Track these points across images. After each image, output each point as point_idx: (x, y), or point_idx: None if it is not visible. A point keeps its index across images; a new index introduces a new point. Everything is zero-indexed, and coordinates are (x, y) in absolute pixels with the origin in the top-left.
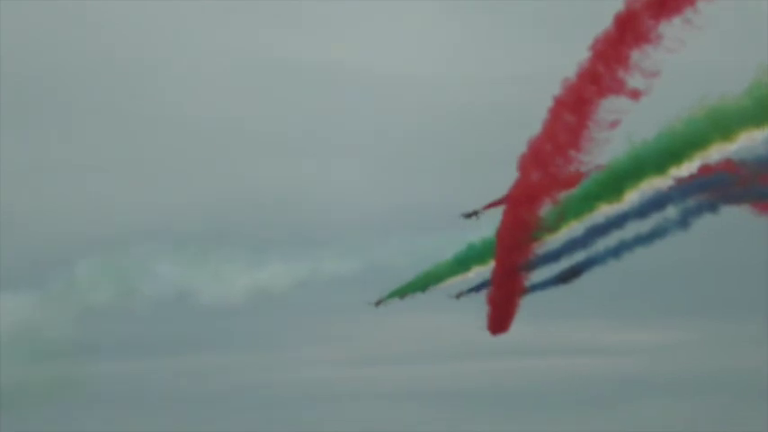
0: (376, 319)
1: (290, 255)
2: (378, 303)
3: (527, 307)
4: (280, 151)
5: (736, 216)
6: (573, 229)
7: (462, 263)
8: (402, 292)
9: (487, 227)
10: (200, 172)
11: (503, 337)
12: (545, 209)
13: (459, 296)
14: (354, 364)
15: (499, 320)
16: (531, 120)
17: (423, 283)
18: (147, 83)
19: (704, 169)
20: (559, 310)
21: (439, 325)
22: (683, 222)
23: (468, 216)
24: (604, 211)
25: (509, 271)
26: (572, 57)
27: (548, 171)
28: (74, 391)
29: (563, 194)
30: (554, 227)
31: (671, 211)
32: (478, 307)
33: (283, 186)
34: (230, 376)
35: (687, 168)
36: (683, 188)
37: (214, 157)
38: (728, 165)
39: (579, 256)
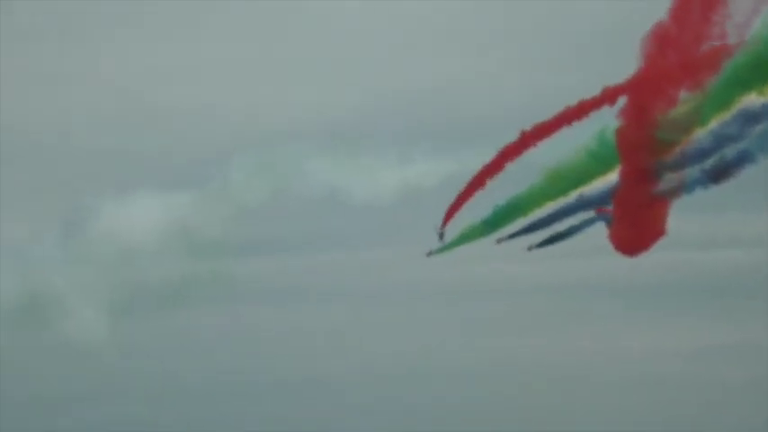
0: None
1: (437, 151)
2: (429, 254)
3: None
4: (426, 48)
5: None
6: (717, 122)
7: (599, 159)
8: (472, 235)
9: None
10: (348, 71)
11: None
12: (681, 99)
13: (499, 242)
14: (505, 258)
15: (634, 237)
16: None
17: (550, 191)
18: None
19: None
20: (710, 205)
21: None
22: None
23: (441, 237)
24: (753, 99)
25: (639, 176)
26: None
27: (677, 55)
28: (228, 288)
29: (700, 82)
30: (692, 120)
31: None
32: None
33: (430, 83)
34: (382, 272)
35: None
36: None
37: (363, 56)
38: None
39: (730, 152)
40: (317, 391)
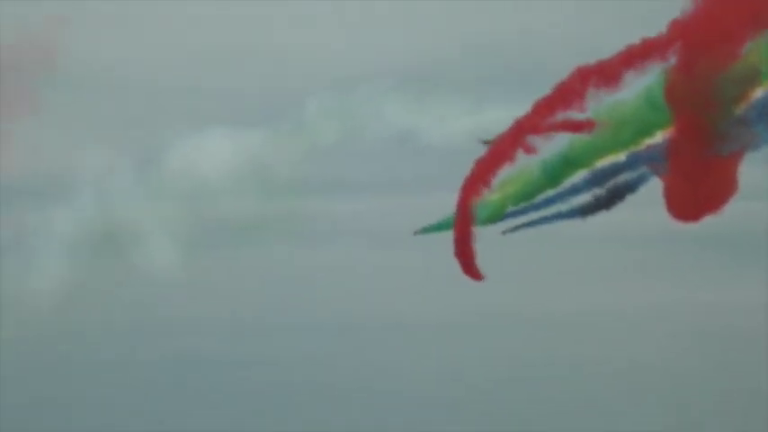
0: None
1: (509, 97)
2: (415, 232)
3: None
4: None
5: None
6: None
7: (659, 108)
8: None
9: None
10: (425, 15)
11: None
12: (744, 47)
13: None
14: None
15: (694, 199)
16: None
17: (611, 141)
18: None
19: None
20: None
21: None
22: None
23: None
24: None
25: (695, 133)
26: None
27: None
28: (300, 227)
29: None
30: (757, 72)
31: None
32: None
33: (507, 30)
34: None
35: None
36: None
37: (440, 2)
38: None
39: None
40: (388, 334)
